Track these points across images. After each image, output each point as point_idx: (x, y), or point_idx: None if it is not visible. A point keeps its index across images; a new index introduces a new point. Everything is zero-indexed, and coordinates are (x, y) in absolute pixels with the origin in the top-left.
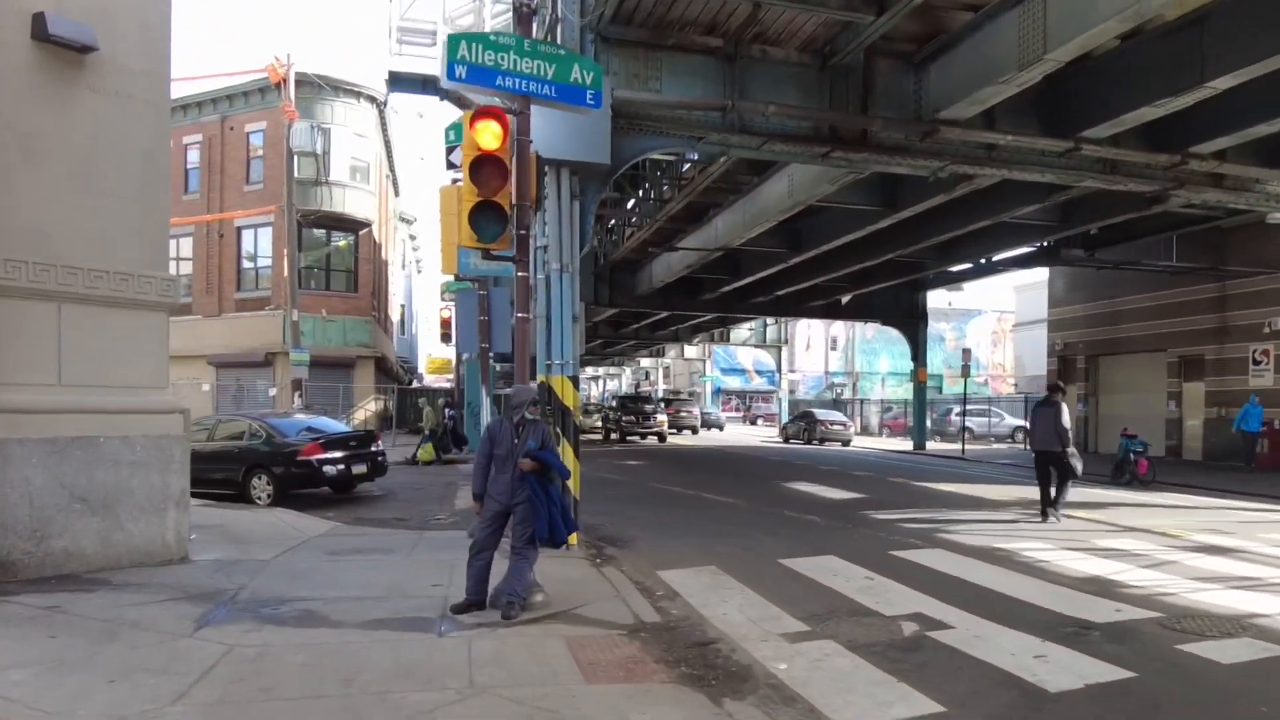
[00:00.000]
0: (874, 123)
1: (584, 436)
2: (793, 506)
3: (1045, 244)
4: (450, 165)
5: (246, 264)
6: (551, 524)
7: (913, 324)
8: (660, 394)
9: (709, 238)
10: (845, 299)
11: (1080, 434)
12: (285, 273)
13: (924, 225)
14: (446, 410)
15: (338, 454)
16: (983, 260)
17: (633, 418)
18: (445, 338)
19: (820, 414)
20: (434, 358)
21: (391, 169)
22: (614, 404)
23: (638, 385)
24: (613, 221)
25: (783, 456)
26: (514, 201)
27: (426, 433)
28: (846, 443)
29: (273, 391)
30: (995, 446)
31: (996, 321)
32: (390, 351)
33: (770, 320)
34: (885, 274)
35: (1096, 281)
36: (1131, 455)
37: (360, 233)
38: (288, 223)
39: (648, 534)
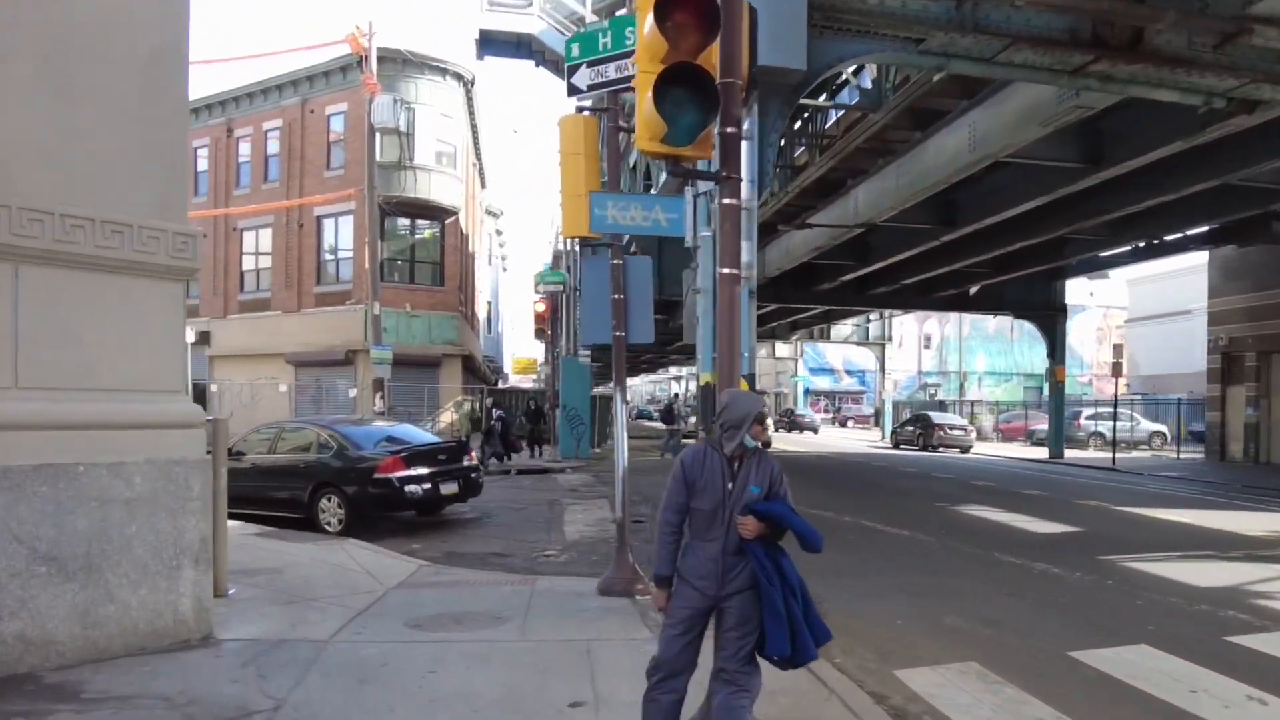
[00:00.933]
0: (1161, 18)
1: (684, 441)
2: (994, 544)
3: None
4: (572, 90)
5: (327, 256)
6: (794, 630)
7: (1049, 316)
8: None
9: (845, 213)
10: (974, 289)
11: (1250, 442)
12: (366, 263)
13: (1120, 190)
14: (494, 411)
15: (423, 470)
16: (1152, 241)
17: None
18: (540, 333)
19: (937, 417)
20: (519, 357)
21: (478, 156)
22: (668, 409)
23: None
24: None
25: (913, 466)
26: (718, 76)
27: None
28: (966, 449)
29: (353, 392)
30: (1137, 454)
31: (1102, 318)
32: (477, 350)
33: (874, 315)
34: (1024, 260)
35: (1268, 267)
36: None
37: (446, 221)
38: (368, 208)
39: (830, 588)
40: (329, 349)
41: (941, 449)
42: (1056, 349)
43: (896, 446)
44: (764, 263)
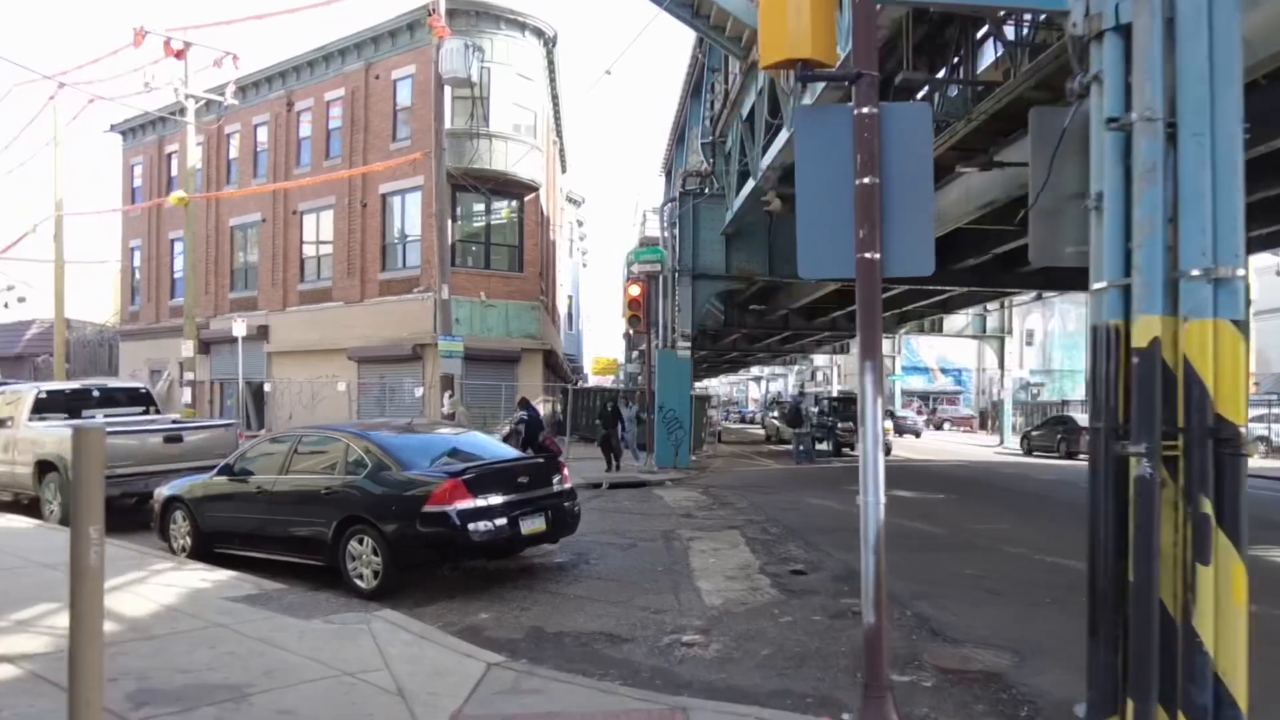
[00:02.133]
0: None
1: (783, 447)
2: None
3: None
4: None
5: (393, 239)
6: None
7: None
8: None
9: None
10: None
11: None
12: (435, 240)
13: None
14: (517, 414)
15: (496, 499)
16: None
17: (851, 424)
18: (634, 319)
19: (1082, 419)
20: (600, 357)
21: (558, 132)
22: (824, 407)
23: (802, 386)
24: None
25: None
26: None
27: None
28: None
29: (419, 391)
30: None
31: None
32: (559, 346)
33: (993, 306)
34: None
35: None
36: None
37: (526, 199)
38: (436, 175)
39: None
40: (395, 343)
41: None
42: None
43: (1030, 453)
44: None
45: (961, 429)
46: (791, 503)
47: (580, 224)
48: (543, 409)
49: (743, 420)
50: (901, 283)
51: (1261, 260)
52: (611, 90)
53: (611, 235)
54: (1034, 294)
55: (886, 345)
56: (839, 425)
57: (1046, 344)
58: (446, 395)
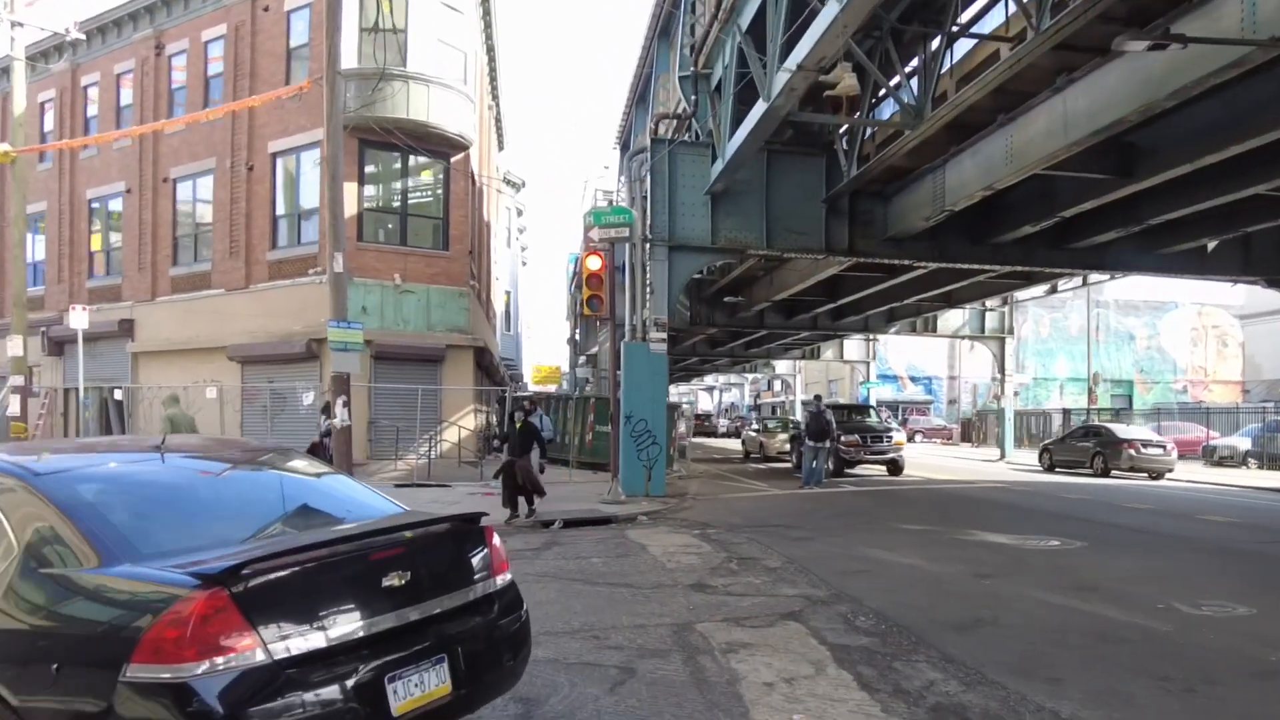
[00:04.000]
0: None
1: (779, 466)
2: None
3: None
4: None
5: (287, 209)
6: None
7: None
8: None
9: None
10: (1212, 244)
11: None
12: (325, 201)
13: None
14: (333, 419)
15: (327, 630)
16: None
17: (856, 438)
18: (593, 301)
19: (1123, 431)
20: (542, 365)
21: (494, 96)
22: (816, 421)
23: (758, 396)
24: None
25: (1207, 510)
26: None
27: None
28: (1159, 475)
29: (309, 398)
30: None
31: (1197, 316)
32: (494, 345)
33: (993, 303)
34: (1256, 213)
35: None
36: None
37: (453, 159)
38: (328, 105)
39: None
40: (286, 338)
41: (1131, 474)
42: None
43: (1051, 469)
44: (943, 191)
45: (937, 440)
46: (848, 558)
47: (520, 213)
48: (473, 420)
49: (705, 434)
50: (939, 259)
51: None
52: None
53: (555, 238)
54: (1047, 288)
55: (860, 349)
56: (841, 439)
57: (1019, 350)
58: (339, 402)
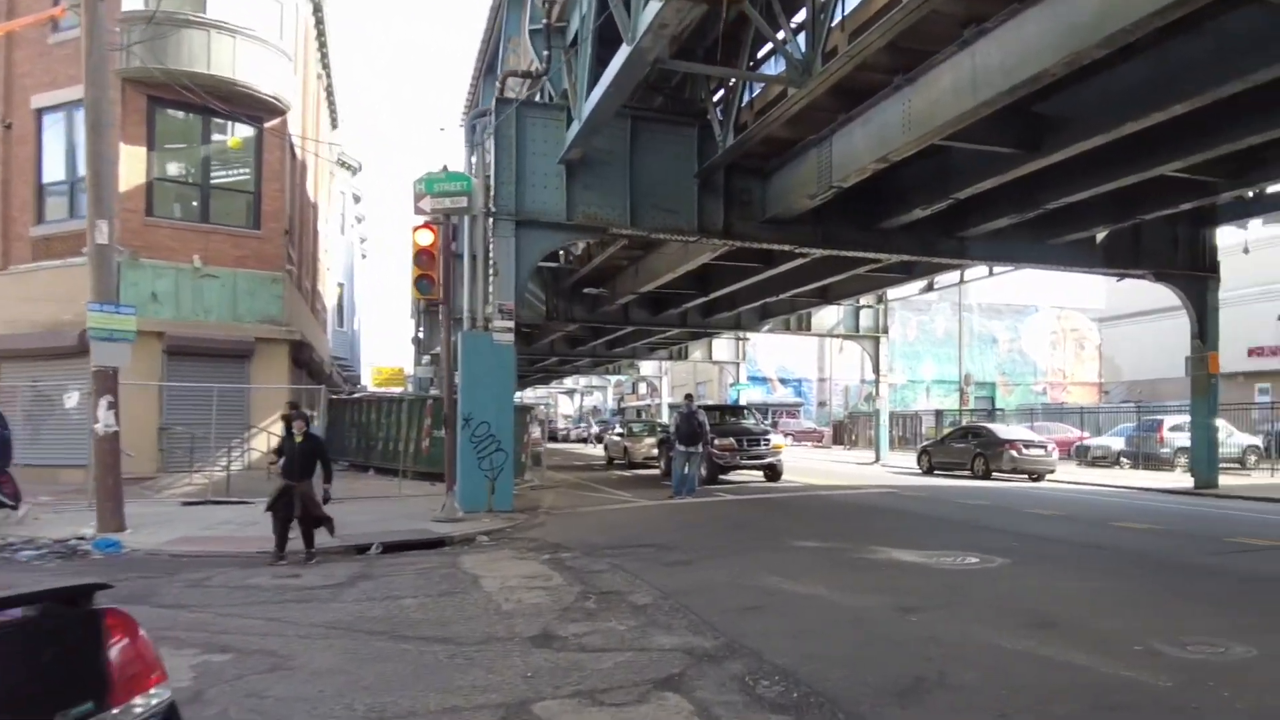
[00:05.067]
0: None
1: (645, 473)
2: None
3: None
4: None
5: (55, 176)
6: None
7: (1197, 280)
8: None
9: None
10: (1101, 235)
11: None
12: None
13: None
14: None
15: None
16: None
17: (732, 441)
18: (423, 282)
19: (1004, 432)
20: (383, 367)
21: (325, 64)
22: (688, 423)
23: (621, 400)
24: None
25: (1125, 517)
26: None
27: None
28: (1040, 477)
29: (73, 400)
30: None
31: (1056, 320)
32: (319, 340)
33: (867, 299)
34: (1153, 198)
35: None
36: None
37: (267, 125)
38: (87, 38)
39: None
40: (54, 328)
41: (1011, 476)
42: (1207, 328)
43: (930, 472)
44: (830, 165)
45: (808, 443)
46: (738, 588)
47: (358, 199)
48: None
49: (554, 439)
50: (822, 245)
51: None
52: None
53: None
54: (924, 284)
55: (730, 350)
56: (715, 443)
57: (888, 352)
58: (104, 405)
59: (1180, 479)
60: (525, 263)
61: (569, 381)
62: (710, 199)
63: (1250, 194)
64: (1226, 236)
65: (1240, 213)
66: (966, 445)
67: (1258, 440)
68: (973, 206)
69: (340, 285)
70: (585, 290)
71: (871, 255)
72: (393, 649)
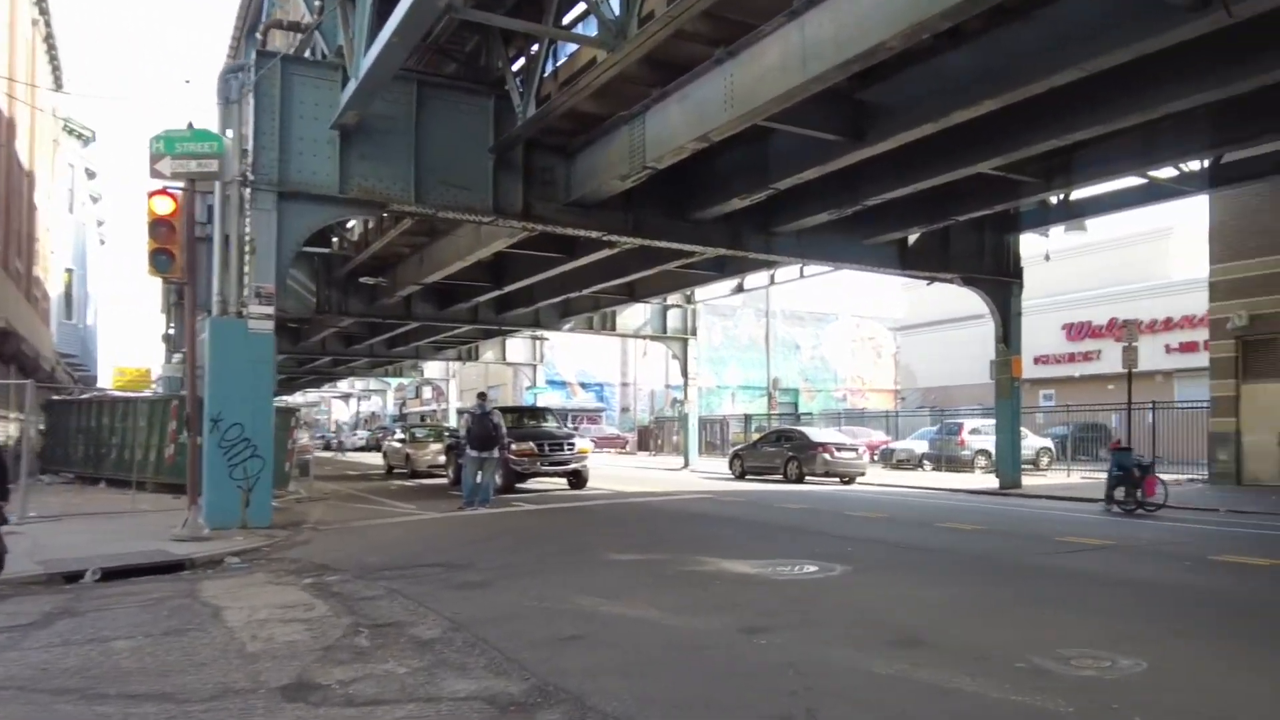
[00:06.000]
0: None
1: (431, 482)
2: None
3: None
4: None
5: None
6: None
7: (1002, 285)
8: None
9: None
10: (913, 238)
11: None
12: None
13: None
14: None
15: None
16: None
17: (532, 446)
18: (161, 258)
19: (816, 434)
20: (126, 368)
21: (42, 7)
22: (481, 426)
23: (403, 404)
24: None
25: (952, 518)
26: None
27: None
28: (851, 480)
29: None
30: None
31: (855, 327)
32: (35, 331)
33: (675, 299)
34: (966, 199)
35: None
36: (1136, 472)
37: None
38: None
39: None
40: None
41: (824, 479)
42: (1010, 331)
43: (741, 477)
44: (644, 144)
45: (611, 450)
46: (549, 613)
47: (93, 175)
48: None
49: (327, 447)
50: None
51: (904, 280)
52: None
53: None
54: (735, 283)
55: (526, 350)
56: (513, 448)
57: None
58: None
59: (983, 479)
60: (289, 241)
61: (345, 385)
62: (508, 177)
63: (1055, 200)
64: (1028, 246)
65: (1042, 220)
66: (779, 449)
67: (1048, 442)
68: (792, 201)
69: (69, 271)
70: (362, 280)
71: (685, 247)
72: (82, 715)
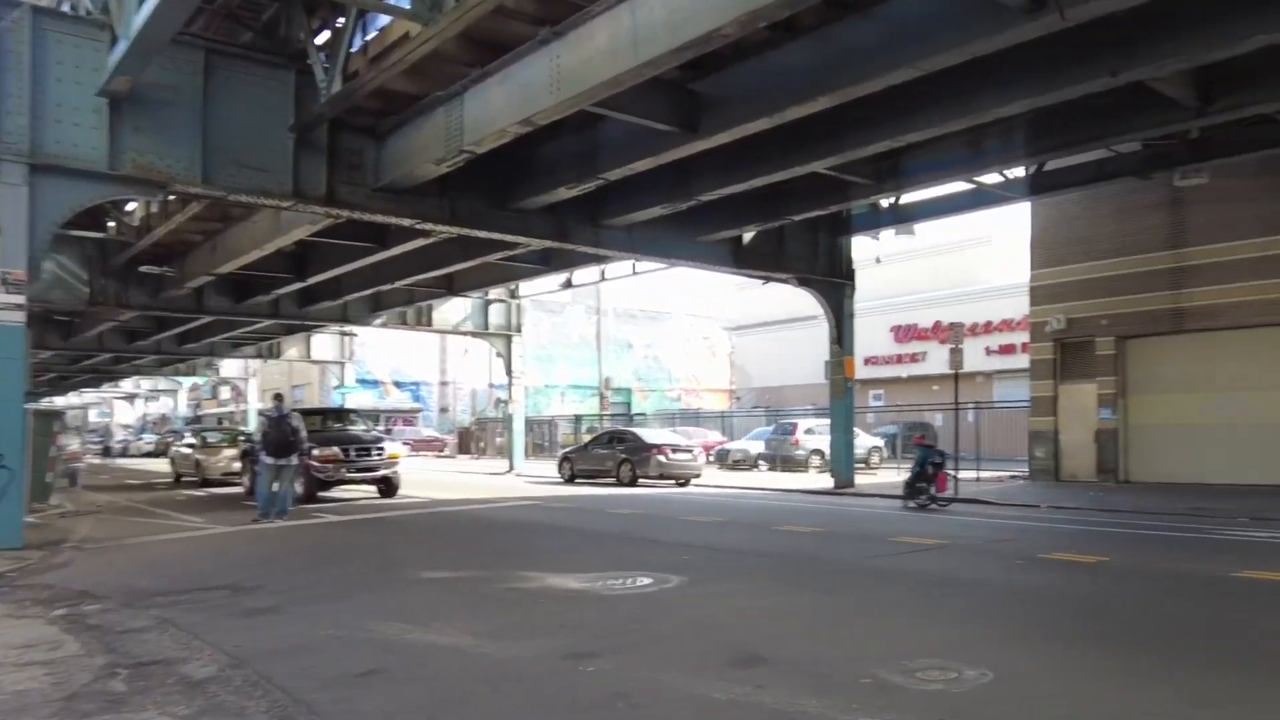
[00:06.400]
0: None
1: (225, 492)
2: None
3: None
4: None
5: None
6: None
7: (836, 286)
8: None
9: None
10: (748, 237)
11: (1108, 455)
12: None
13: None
14: None
15: None
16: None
17: (336, 451)
18: None
19: (650, 436)
20: None
21: None
22: (277, 430)
23: (198, 406)
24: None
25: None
26: None
27: None
28: (687, 481)
29: None
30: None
31: (689, 327)
32: None
33: (497, 292)
34: (801, 198)
35: (1128, 229)
36: (930, 469)
37: None
38: None
39: None
40: None
41: (658, 482)
42: (843, 332)
43: (572, 480)
44: (462, 126)
45: (429, 453)
46: (345, 642)
47: None
48: None
49: (107, 453)
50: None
51: (738, 280)
52: None
53: None
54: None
55: (334, 347)
56: (314, 454)
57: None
58: None
59: (819, 479)
60: (45, 220)
61: (129, 384)
62: (310, 159)
63: (886, 203)
64: (860, 250)
65: (874, 223)
66: (611, 451)
67: (879, 441)
68: (623, 193)
69: None
70: (144, 270)
71: (508, 238)
72: None
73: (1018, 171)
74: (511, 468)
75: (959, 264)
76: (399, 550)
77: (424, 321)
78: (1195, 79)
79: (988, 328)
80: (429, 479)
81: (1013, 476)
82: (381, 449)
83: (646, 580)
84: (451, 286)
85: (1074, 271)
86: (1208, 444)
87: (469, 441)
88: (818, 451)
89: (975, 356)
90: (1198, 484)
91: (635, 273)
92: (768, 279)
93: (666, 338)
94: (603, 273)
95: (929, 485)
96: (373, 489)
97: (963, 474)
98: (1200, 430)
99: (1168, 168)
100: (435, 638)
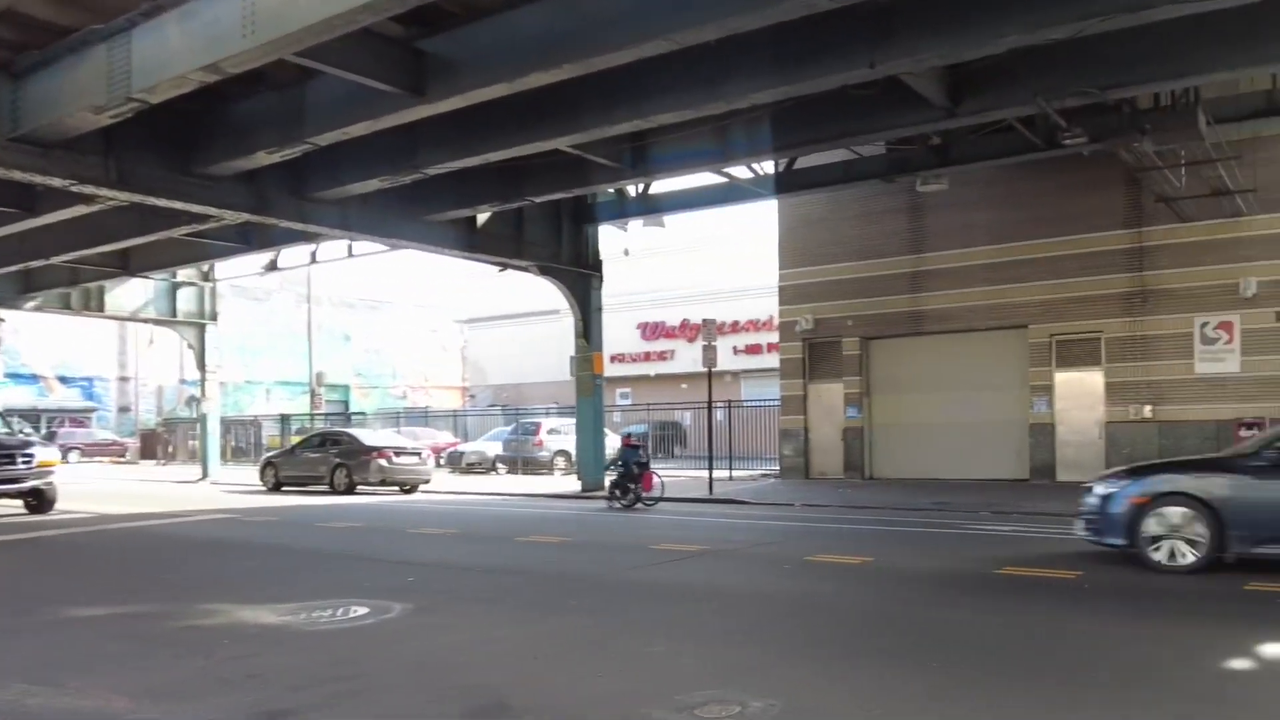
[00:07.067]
0: None
1: None
2: None
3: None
4: None
5: None
6: None
7: (582, 277)
8: None
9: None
10: (483, 217)
11: (855, 453)
12: None
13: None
14: None
15: None
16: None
17: None
18: None
19: (370, 438)
20: None
21: None
22: None
23: None
24: None
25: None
26: None
27: None
28: (413, 488)
29: None
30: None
31: (418, 319)
32: None
33: (188, 273)
34: (541, 178)
35: (872, 233)
36: (635, 468)
37: None
38: None
39: None
40: None
41: (380, 489)
42: (591, 326)
43: (278, 489)
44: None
45: (105, 459)
46: None
47: None
48: None
49: None
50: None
51: (472, 269)
52: None
53: None
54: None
55: None
56: None
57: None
58: None
59: (564, 482)
60: None
61: None
62: None
63: (634, 191)
64: (608, 243)
65: (621, 212)
66: (324, 455)
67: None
68: (337, 162)
69: None
70: None
71: (195, 208)
72: None
73: (768, 168)
74: (205, 475)
75: (707, 263)
76: (44, 581)
77: (93, 306)
78: (947, 79)
79: (735, 327)
80: (101, 490)
81: (764, 475)
82: (30, 456)
83: (362, 610)
84: (128, 265)
85: (821, 273)
86: (944, 441)
87: (155, 445)
88: (563, 453)
89: (724, 356)
90: (936, 479)
91: (351, 255)
92: (505, 265)
93: (390, 330)
94: (313, 254)
95: (635, 485)
96: (20, 504)
97: (717, 473)
98: (937, 428)
99: (911, 172)
100: (75, 701)
